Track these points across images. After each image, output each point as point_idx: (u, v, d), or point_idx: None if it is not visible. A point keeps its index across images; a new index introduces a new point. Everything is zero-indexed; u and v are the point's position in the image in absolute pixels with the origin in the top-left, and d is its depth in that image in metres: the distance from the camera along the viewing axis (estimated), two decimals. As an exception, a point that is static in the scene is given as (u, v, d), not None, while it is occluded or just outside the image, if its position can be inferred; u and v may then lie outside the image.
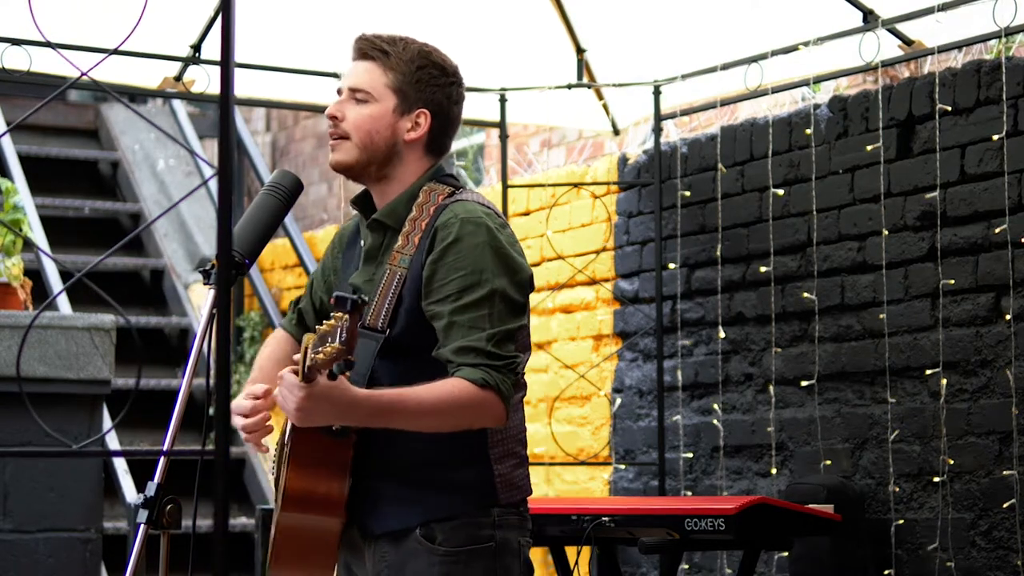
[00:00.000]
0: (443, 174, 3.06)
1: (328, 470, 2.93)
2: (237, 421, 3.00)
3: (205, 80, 5.30)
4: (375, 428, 2.86)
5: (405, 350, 2.88)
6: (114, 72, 5.19)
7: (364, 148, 2.98)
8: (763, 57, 5.12)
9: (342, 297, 2.56)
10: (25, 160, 7.69)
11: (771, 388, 5.29)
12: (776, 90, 5.26)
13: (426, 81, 2.99)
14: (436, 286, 2.88)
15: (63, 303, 6.42)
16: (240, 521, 6.84)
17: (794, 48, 5.02)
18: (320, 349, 2.61)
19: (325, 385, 2.71)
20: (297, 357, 2.74)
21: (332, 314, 2.59)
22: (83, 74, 2.25)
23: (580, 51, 5.58)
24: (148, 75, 5.32)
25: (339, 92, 3.04)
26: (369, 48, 3.00)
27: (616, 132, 6.03)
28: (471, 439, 2.93)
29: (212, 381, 3.31)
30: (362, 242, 3.06)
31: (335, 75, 4.84)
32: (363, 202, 3.08)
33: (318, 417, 2.76)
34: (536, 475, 6.35)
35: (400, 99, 2.98)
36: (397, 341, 2.89)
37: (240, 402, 2.99)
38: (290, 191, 3.01)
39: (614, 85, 5.70)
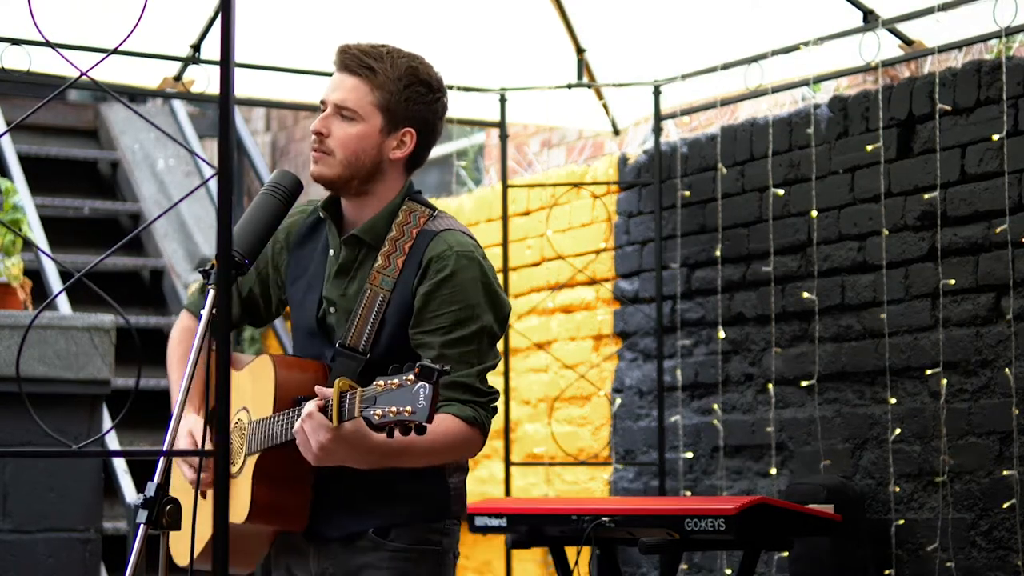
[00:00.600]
0: (414, 191, 3.07)
1: (293, 483, 2.96)
2: (186, 468, 3.01)
3: (205, 80, 5.30)
4: None
5: (384, 373, 2.88)
6: (114, 72, 5.19)
7: (348, 166, 2.98)
8: (763, 57, 5.12)
9: (429, 368, 2.55)
10: (25, 160, 7.69)
11: (771, 388, 5.29)
12: (776, 90, 5.26)
13: (413, 99, 2.98)
14: (428, 316, 2.91)
15: (63, 303, 6.41)
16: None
17: (794, 48, 5.02)
18: (387, 408, 2.58)
19: (351, 430, 2.74)
20: (326, 392, 2.74)
21: (404, 378, 2.58)
22: (83, 74, 2.24)
23: (580, 51, 5.58)
24: (148, 75, 5.31)
25: (323, 104, 3.01)
26: (355, 64, 2.97)
27: (616, 132, 6.03)
28: None
29: (212, 381, 3.30)
30: (331, 251, 3.05)
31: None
32: (332, 209, 3.07)
33: (337, 458, 2.79)
34: (536, 475, 6.35)
35: (387, 119, 2.97)
36: (378, 363, 2.89)
37: (185, 449, 3.00)
38: (290, 191, 3.01)
39: (614, 85, 5.70)
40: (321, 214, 3.07)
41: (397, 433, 2.63)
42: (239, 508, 2.94)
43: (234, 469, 3.00)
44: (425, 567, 2.97)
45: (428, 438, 2.79)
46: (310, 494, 2.97)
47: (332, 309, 3.01)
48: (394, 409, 2.57)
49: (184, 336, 3.21)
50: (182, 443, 3.01)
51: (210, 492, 3.07)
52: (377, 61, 2.96)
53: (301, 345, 3.09)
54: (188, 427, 3.04)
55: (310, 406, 2.75)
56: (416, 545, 2.96)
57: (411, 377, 2.57)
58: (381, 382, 2.61)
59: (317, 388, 2.79)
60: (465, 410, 2.87)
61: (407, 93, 2.96)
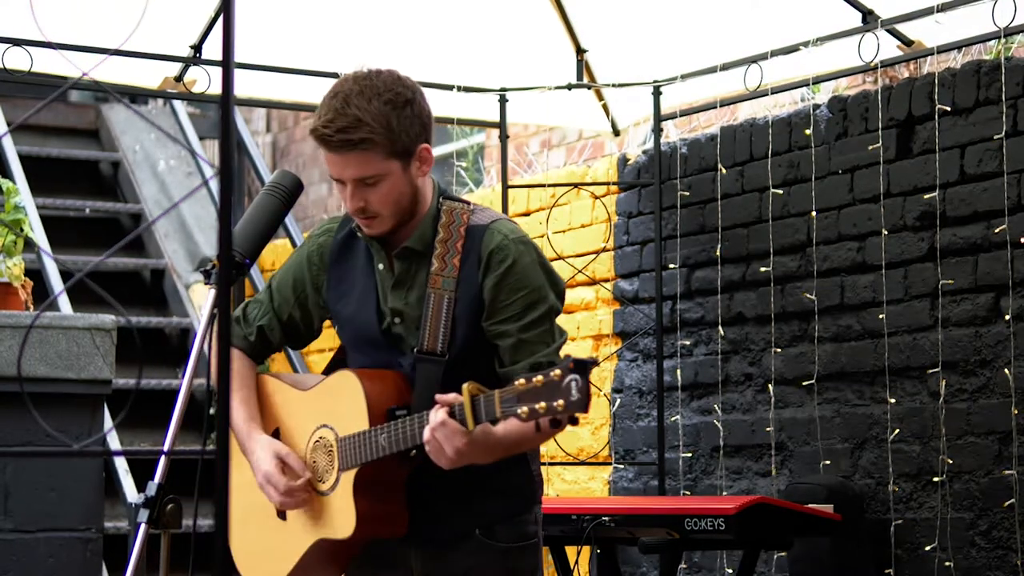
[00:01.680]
0: (442, 189, 3.13)
1: (389, 491, 3.00)
2: (275, 492, 3.01)
3: (206, 80, 5.30)
4: None
5: (464, 371, 2.91)
6: (115, 72, 5.19)
7: (396, 213, 3.02)
8: (763, 57, 5.12)
9: (582, 361, 2.60)
10: (26, 160, 7.68)
11: (771, 388, 5.29)
12: (776, 90, 5.26)
13: (407, 124, 2.97)
14: (500, 306, 2.98)
15: (64, 303, 6.42)
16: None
17: (794, 48, 5.02)
18: (534, 405, 2.63)
19: (481, 432, 2.80)
20: (450, 398, 2.78)
21: (551, 373, 2.61)
22: (84, 74, 2.25)
23: (580, 51, 5.58)
24: (149, 75, 5.31)
25: (340, 182, 3.00)
26: (345, 145, 2.93)
27: (616, 132, 6.04)
28: None
29: (212, 381, 3.31)
30: (380, 265, 3.07)
31: (335, 75, 4.83)
32: None
33: (468, 460, 2.84)
34: (536, 475, 6.35)
35: (402, 158, 2.99)
36: (457, 363, 2.96)
37: (272, 472, 3.01)
38: (290, 191, 3.02)
39: (614, 85, 5.70)
40: (359, 234, 3.08)
41: (545, 424, 2.67)
42: (342, 524, 2.98)
43: (324, 487, 3.04)
44: (527, 560, 3.07)
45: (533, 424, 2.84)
46: (404, 495, 3.01)
47: (398, 320, 3.04)
48: (543, 405, 2.63)
49: (236, 373, 3.16)
50: (268, 466, 3.02)
51: (291, 513, 3.09)
52: (360, 128, 2.92)
53: (363, 356, 3.10)
54: (274, 449, 3.05)
55: (441, 415, 2.78)
56: (521, 541, 3.05)
57: (557, 372, 2.62)
58: (522, 380, 2.66)
59: (438, 396, 2.82)
60: None
61: (401, 126, 2.96)
